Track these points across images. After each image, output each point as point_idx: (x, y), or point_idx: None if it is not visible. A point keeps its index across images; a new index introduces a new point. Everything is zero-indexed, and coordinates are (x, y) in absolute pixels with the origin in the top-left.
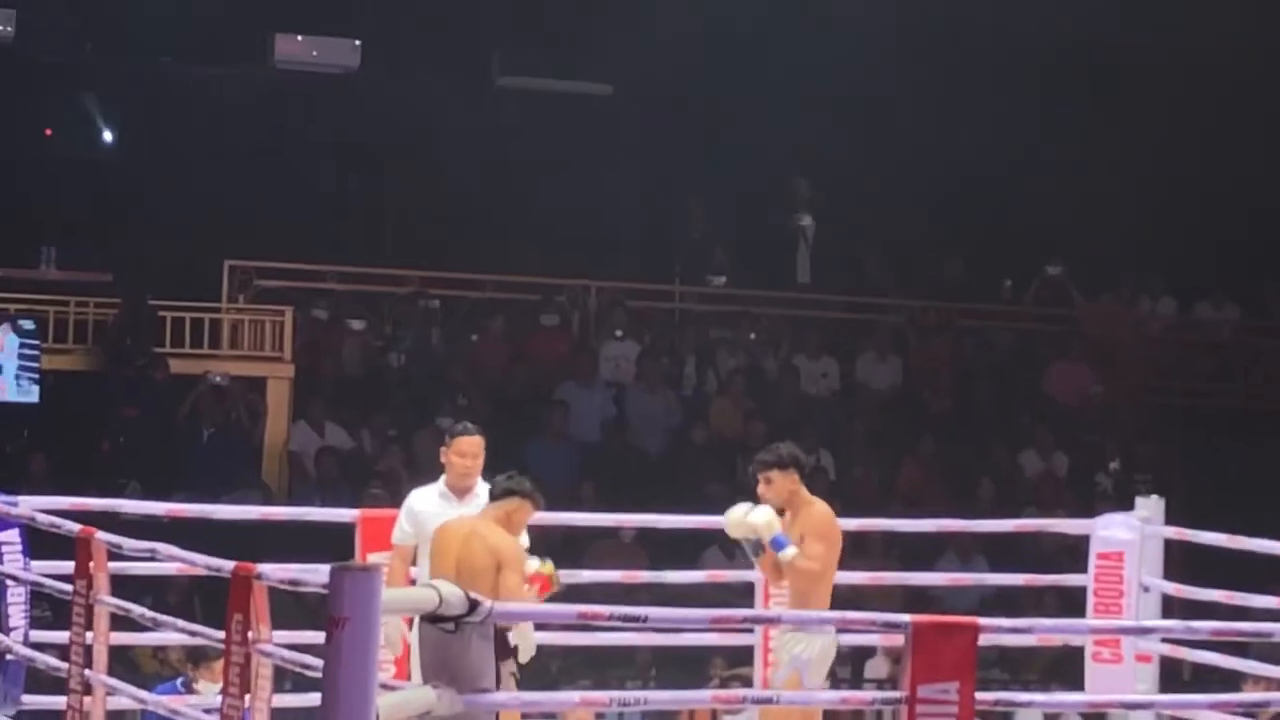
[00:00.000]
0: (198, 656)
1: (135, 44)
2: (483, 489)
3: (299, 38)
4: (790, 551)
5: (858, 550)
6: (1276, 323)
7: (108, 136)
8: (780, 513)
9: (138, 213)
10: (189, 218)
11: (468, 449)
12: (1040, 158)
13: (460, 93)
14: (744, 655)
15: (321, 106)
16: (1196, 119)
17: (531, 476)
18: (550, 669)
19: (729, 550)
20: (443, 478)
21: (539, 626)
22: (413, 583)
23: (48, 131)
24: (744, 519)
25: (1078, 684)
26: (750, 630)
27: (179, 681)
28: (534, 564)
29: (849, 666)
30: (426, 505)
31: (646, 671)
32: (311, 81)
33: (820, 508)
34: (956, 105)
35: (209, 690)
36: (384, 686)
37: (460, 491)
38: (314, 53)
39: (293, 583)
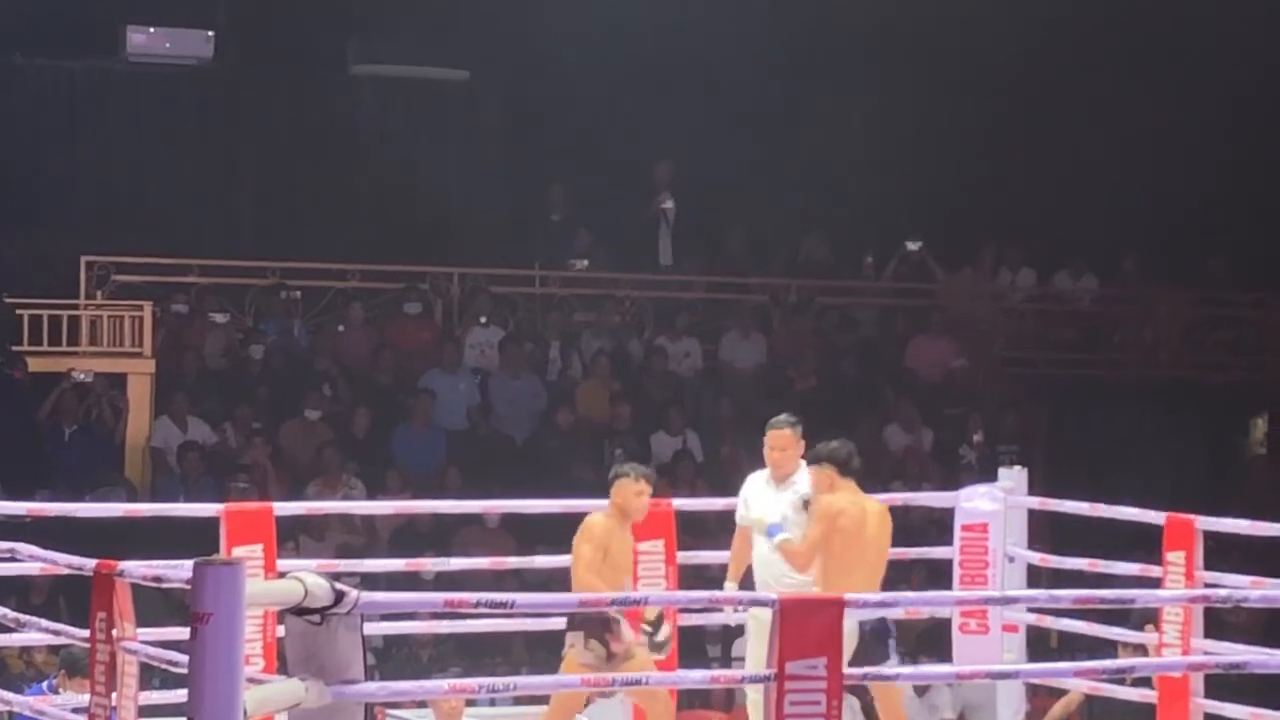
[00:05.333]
0: (71, 669)
1: None
2: (801, 476)
3: (151, 30)
4: (777, 538)
5: (725, 528)
6: (1133, 291)
7: None
8: None
9: None
10: (44, 214)
11: (773, 442)
12: (896, 133)
13: (315, 82)
14: None
15: (176, 99)
16: (1048, 92)
17: (623, 458)
18: (421, 657)
19: None
20: None
21: (405, 616)
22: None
23: None
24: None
25: (946, 655)
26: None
27: (45, 684)
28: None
29: (719, 645)
30: (751, 490)
31: (519, 657)
32: (165, 73)
33: (831, 498)
34: (812, 82)
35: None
36: (251, 680)
37: (778, 479)
38: (167, 44)
39: (156, 579)
